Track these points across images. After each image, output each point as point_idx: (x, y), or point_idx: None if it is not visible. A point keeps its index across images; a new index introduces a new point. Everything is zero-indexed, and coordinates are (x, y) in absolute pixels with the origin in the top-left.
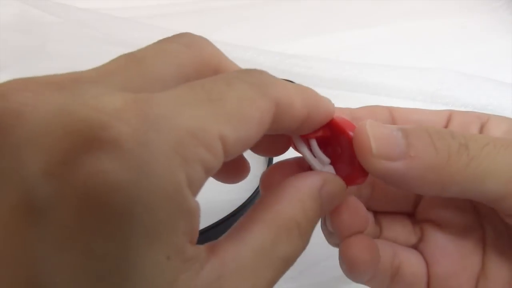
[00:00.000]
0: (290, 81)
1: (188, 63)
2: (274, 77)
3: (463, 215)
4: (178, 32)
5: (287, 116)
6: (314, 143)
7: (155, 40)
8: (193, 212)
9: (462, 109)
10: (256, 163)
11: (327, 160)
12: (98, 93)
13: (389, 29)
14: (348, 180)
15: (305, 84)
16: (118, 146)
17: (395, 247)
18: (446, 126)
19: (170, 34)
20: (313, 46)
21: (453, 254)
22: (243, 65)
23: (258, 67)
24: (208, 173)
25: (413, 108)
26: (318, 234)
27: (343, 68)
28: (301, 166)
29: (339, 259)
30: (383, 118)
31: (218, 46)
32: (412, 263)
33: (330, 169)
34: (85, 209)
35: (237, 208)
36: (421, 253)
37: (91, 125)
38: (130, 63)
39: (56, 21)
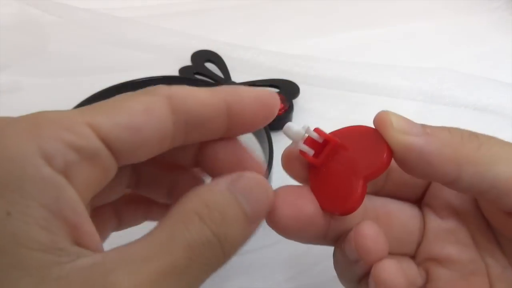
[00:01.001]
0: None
1: None
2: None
3: (465, 250)
4: (178, 32)
5: (194, 104)
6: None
7: (155, 40)
8: (51, 182)
9: (462, 109)
10: None
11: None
12: None
13: (389, 29)
14: (370, 168)
15: (305, 84)
16: None
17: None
18: None
19: (170, 34)
20: (313, 46)
21: None
22: (243, 65)
23: (258, 67)
24: (80, 152)
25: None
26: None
27: (343, 68)
28: None
29: (371, 284)
30: None
31: (218, 46)
32: None
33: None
34: None
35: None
36: None
37: None
38: None
39: (56, 21)
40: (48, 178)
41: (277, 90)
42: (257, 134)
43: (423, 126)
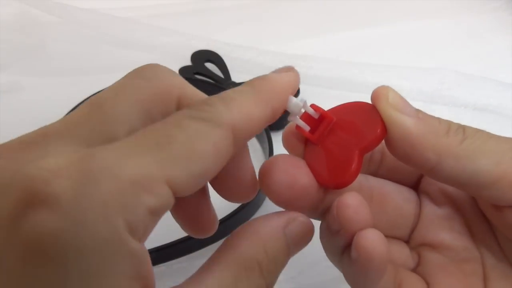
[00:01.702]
0: (267, 75)
1: (149, 98)
2: (228, 97)
3: (459, 238)
4: (178, 32)
5: (251, 130)
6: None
7: (155, 40)
8: (136, 255)
9: (462, 109)
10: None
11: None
12: (50, 152)
13: (389, 29)
14: (366, 140)
15: (305, 84)
16: (56, 199)
17: (396, 267)
18: None
19: (170, 34)
20: (313, 46)
21: (455, 274)
22: (243, 65)
23: (258, 67)
24: (156, 214)
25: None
26: (318, 234)
27: (343, 68)
28: None
29: (352, 254)
30: None
31: (218, 46)
32: (413, 282)
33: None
34: (28, 256)
35: (237, 208)
36: (421, 276)
37: (34, 182)
38: (92, 111)
39: (56, 21)
40: (134, 252)
41: None
42: (257, 134)
43: (418, 110)
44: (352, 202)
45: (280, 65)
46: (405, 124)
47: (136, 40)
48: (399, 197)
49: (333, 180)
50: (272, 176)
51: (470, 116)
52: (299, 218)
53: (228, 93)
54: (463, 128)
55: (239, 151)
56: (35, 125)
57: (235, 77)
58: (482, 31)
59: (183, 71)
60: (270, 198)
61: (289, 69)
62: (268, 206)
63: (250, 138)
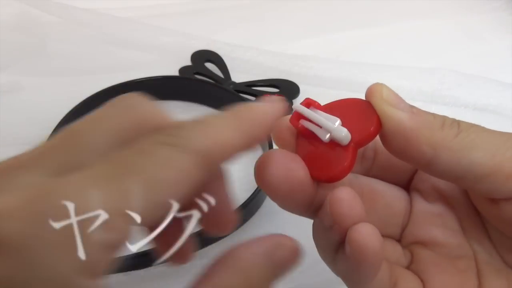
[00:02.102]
0: (254, 100)
1: (124, 127)
2: (205, 122)
3: (452, 235)
4: (178, 32)
5: (224, 156)
6: (321, 112)
7: (155, 40)
8: None
9: (462, 109)
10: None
11: (337, 118)
12: (11, 185)
13: (389, 29)
14: (360, 134)
15: (305, 84)
16: (6, 244)
17: (390, 265)
18: None
19: (170, 34)
20: (313, 46)
21: (448, 270)
22: (243, 65)
23: (258, 67)
24: (114, 248)
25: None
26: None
27: (343, 68)
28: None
29: (346, 249)
30: None
31: (218, 46)
32: (408, 279)
33: (340, 129)
34: None
35: (237, 208)
36: (415, 274)
37: None
38: (65, 140)
39: (56, 21)
40: None
41: (277, 90)
42: None
43: (412, 106)
44: (345, 196)
45: (280, 65)
46: (399, 119)
47: (136, 40)
48: (389, 195)
49: (326, 173)
50: (269, 170)
51: (470, 116)
52: (286, 243)
53: (207, 117)
54: (457, 122)
55: (213, 178)
56: (35, 125)
57: (235, 77)
58: (482, 31)
59: (183, 71)
60: (267, 192)
61: (275, 100)
62: (267, 207)
63: (222, 163)
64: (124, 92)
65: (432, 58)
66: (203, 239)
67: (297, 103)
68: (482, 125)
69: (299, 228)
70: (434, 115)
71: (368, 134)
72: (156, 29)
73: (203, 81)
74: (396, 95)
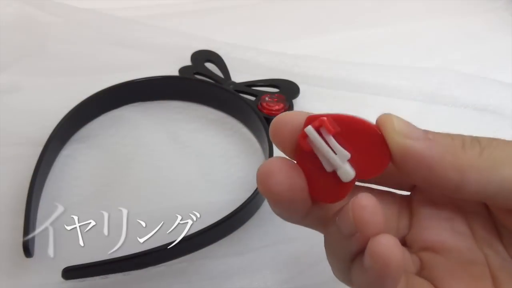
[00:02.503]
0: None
1: None
2: None
3: (462, 239)
4: (178, 32)
5: None
6: (331, 139)
7: (155, 40)
8: None
9: (462, 109)
10: (256, 163)
11: (347, 154)
12: None
13: (389, 29)
14: (369, 168)
15: (305, 84)
16: None
17: (406, 273)
18: None
19: (170, 34)
20: (313, 46)
21: (464, 277)
22: (243, 65)
23: (258, 67)
24: None
25: None
26: (318, 234)
27: (343, 68)
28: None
29: (366, 262)
30: None
31: (218, 46)
32: (424, 287)
33: (347, 171)
34: None
35: (237, 208)
36: (428, 281)
37: None
38: None
39: (56, 21)
40: None
41: (277, 90)
42: (257, 134)
43: (425, 131)
44: (368, 203)
45: (280, 65)
46: (418, 149)
47: (136, 40)
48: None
49: (319, 195)
50: (273, 177)
51: (470, 116)
52: None
53: None
54: (477, 140)
55: None
56: (35, 125)
57: (235, 77)
58: (482, 31)
59: (183, 71)
60: (269, 200)
61: None
62: (267, 207)
63: None
64: (124, 92)
65: (432, 58)
66: (201, 241)
67: (297, 103)
68: (482, 125)
69: (299, 229)
70: (451, 136)
71: (374, 172)
72: (156, 29)
73: (203, 81)
74: (408, 124)
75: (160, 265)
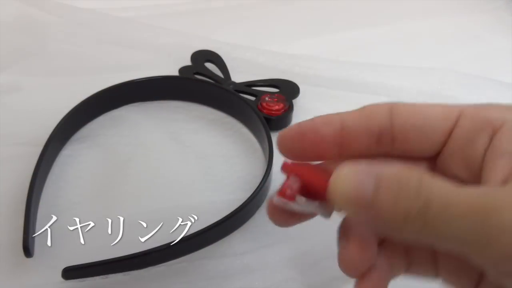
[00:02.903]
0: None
1: None
2: None
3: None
4: (178, 32)
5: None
6: (299, 198)
7: (155, 40)
8: None
9: None
10: (256, 163)
11: (315, 204)
12: None
13: (389, 29)
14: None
15: (305, 84)
16: None
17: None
18: (450, 133)
19: (170, 34)
20: (313, 46)
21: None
22: (243, 65)
23: (258, 67)
24: None
25: (418, 106)
26: (318, 234)
27: (343, 68)
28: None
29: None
30: (381, 122)
31: (218, 46)
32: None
33: (321, 210)
34: None
35: (237, 208)
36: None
37: None
38: None
39: (56, 21)
40: None
41: (277, 90)
42: (257, 135)
43: (374, 197)
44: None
45: (280, 65)
46: (365, 219)
47: (136, 40)
48: None
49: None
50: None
51: None
52: None
53: None
54: (427, 207)
55: None
56: (35, 125)
57: (235, 77)
58: (482, 31)
59: (183, 71)
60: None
61: None
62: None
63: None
64: (124, 92)
65: (432, 58)
66: (199, 241)
67: (297, 103)
68: None
69: (300, 229)
70: (396, 206)
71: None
72: (156, 29)
73: (203, 81)
74: (355, 192)
75: (160, 265)
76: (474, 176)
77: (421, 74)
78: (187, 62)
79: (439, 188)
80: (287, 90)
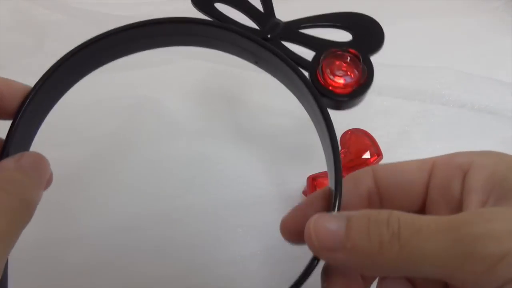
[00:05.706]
0: None
1: None
2: None
3: None
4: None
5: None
6: None
7: None
8: None
9: (462, 109)
10: (258, 163)
11: None
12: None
13: (389, 29)
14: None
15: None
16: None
17: None
18: (428, 183)
19: None
20: None
21: None
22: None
23: None
24: None
25: (395, 165)
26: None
27: None
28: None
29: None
30: (368, 185)
31: None
32: None
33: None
34: None
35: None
36: None
37: None
38: None
39: (56, 21)
40: None
41: (350, 37)
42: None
43: (347, 235)
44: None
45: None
46: (340, 260)
47: None
48: None
49: None
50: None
51: (470, 116)
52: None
53: None
54: (398, 235)
55: None
56: None
57: (280, 10)
58: (482, 31)
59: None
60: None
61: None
62: (265, 206)
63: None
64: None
65: (432, 58)
66: None
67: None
68: (482, 125)
69: None
70: (369, 238)
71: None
72: None
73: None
74: (327, 236)
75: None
76: None
77: (421, 74)
78: None
79: (407, 216)
80: (363, 36)
